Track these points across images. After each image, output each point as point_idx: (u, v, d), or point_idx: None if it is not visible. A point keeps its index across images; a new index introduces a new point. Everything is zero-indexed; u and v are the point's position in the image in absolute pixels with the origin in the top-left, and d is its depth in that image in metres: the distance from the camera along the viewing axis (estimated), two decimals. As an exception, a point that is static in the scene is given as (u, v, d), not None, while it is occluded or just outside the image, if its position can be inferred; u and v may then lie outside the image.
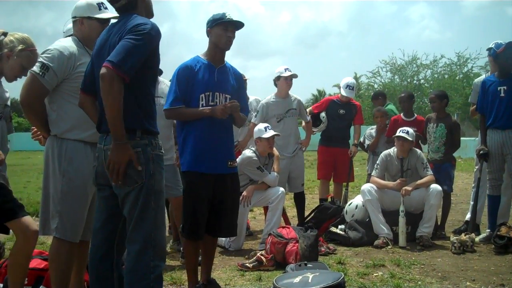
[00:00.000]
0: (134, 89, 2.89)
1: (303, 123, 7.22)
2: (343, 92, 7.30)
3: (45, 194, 3.53)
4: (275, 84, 6.79)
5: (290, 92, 6.81)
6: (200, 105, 4.05)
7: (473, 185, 6.67)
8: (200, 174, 4.04)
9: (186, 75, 4.06)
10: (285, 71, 6.66)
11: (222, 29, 4.09)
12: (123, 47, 2.78)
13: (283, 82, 6.68)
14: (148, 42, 2.86)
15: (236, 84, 4.29)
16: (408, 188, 5.96)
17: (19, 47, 3.38)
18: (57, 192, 3.42)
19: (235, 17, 4.11)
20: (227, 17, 4.08)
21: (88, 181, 3.38)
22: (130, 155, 2.83)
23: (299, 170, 6.82)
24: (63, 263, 3.43)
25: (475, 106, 6.55)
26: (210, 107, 4.05)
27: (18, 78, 3.55)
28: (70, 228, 3.42)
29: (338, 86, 7.38)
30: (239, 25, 4.16)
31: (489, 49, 6.52)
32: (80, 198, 3.45)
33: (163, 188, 3.03)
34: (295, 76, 6.70)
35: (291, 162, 6.69)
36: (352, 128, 7.66)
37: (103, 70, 2.71)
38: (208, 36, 4.19)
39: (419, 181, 6.06)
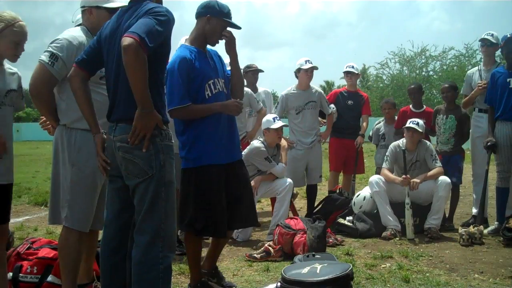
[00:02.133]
0: (151, 75, 2.80)
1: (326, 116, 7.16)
2: (345, 69, 7.53)
3: (55, 183, 3.54)
4: (296, 76, 6.86)
5: (311, 84, 6.84)
6: (206, 95, 3.84)
7: (472, 178, 6.66)
8: (218, 167, 3.87)
9: (186, 67, 3.76)
10: (306, 63, 6.71)
11: (221, 26, 3.88)
12: (144, 23, 2.74)
13: (303, 74, 6.72)
14: (166, 23, 2.83)
15: (222, 66, 4.11)
16: (417, 180, 5.93)
17: (0, 27, 3.39)
18: (67, 182, 3.42)
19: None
20: (230, 16, 3.90)
21: (97, 170, 3.38)
22: (157, 120, 2.84)
23: (316, 161, 6.84)
24: (72, 252, 3.44)
25: (467, 97, 6.54)
26: (220, 103, 3.88)
27: (19, 55, 3.55)
28: (80, 217, 3.42)
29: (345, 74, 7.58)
30: (237, 28, 3.98)
31: (482, 40, 6.48)
32: (89, 188, 3.45)
33: (173, 179, 3.00)
34: (315, 68, 6.75)
35: (308, 153, 6.71)
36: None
37: (127, 41, 2.63)
38: (199, 18, 3.91)
39: (428, 174, 6.03)
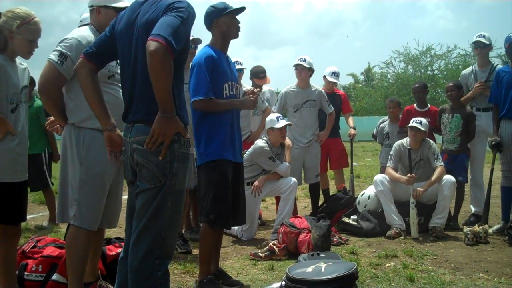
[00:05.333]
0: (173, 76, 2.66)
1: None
2: (330, 79, 7.39)
3: (63, 182, 3.53)
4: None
5: (311, 82, 6.83)
6: (224, 94, 4.10)
7: (469, 177, 6.64)
8: (228, 162, 4.10)
9: (212, 65, 4.04)
10: (298, 61, 6.71)
11: (230, 18, 4.11)
12: (168, 23, 2.59)
13: (296, 72, 6.74)
14: (189, 20, 2.71)
15: (236, 73, 4.42)
16: (421, 189, 5.92)
17: (16, 25, 3.42)
18: (75, 181, 3.42)
19: (246, 6, 4.15)
20: (230, 5, 4.11)
21: (106, 169, 3.39)
22: (178, 127, 2.71)
23: (314, 161, 6.80)
24: (80, 251, 3.44)
25: (463, 98, 6.56)
26: (238, 100, 4.20)
27: (32, 52, 3.59)
28: (88, 216, 3.42)
29: (323, 77, 7.47)
30: (243, 10, 4.18)
31: (475, 42, 6.60)
32: (98, 187, 3.45)
33: (184, 188, 2.87)
34: (302, 66, 6.66)
35: (305, 152, 6.67)
36: (342, 118, 7.80)
37: (153, 45, 2.49)
38: (210, 28, 4.18)
39: (432, 179, 5.97)
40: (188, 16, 2.70)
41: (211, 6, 4.14)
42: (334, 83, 7.50)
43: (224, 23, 4.11)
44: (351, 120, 7.74)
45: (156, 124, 2.65)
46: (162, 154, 2.69)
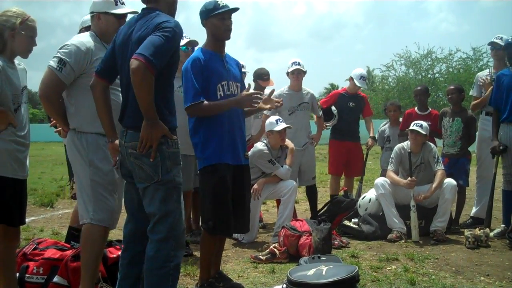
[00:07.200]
0: (161, 86, 3.02)
1: (315, 118, 7.17)
2: (357, 83, 7.21)
3: (80, 185, 3.59)
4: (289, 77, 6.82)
5: (303, 85, 6.81)
6: (218, 96, 3.97)
7: (476, 180, 6.64)
8: (228, 166, 3.99)
9: (199, 67, 3.92)
10: (292, 66, 6.68)
11: (219, 19, 3.96)
12: (152, 43, 2.87)
13: (290, 76, 6.72)
14: (173, 39, 2.98)
15: (240, 72, 4.33)
16: (422, 195, 5.92)
17: (18, 22, 3.45)
18: (87, 182, 3.50)
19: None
20: (221, 5, 3.95)
21: (113, 168, 3.47)
22: (163, 131, 3.00)
23: (309, 163, 6.78)
24: (97, 247, 3.52)
25: (478, 100, 6.53)
26: (233, 98, 4.00)
27: (31, 51, 3.62)
28: (104, 213, 3.50)
29: (350, 78, 7.30)
30: (234, 11, 4.04)
31: (491, 43, 6.52)
32: (109, 184, 3.53)
33: (181, 182, 3.18)
34: (299, 70, 6.65)
35: (301, 155, 6.64)
36: (361, 122, 7.66)
37: (135, 64, 2.80)
38: (204, 27, 4.08)
39: (434, 186, 5.94)
40: (173, 35, 2.97)
41: (203, 5, 4.03)
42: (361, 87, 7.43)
43: (213, 24, 3.99)
44: (371, 128, 7.58)
45: (143, 131, 2.96)
46: (152, 156, 3.01)
